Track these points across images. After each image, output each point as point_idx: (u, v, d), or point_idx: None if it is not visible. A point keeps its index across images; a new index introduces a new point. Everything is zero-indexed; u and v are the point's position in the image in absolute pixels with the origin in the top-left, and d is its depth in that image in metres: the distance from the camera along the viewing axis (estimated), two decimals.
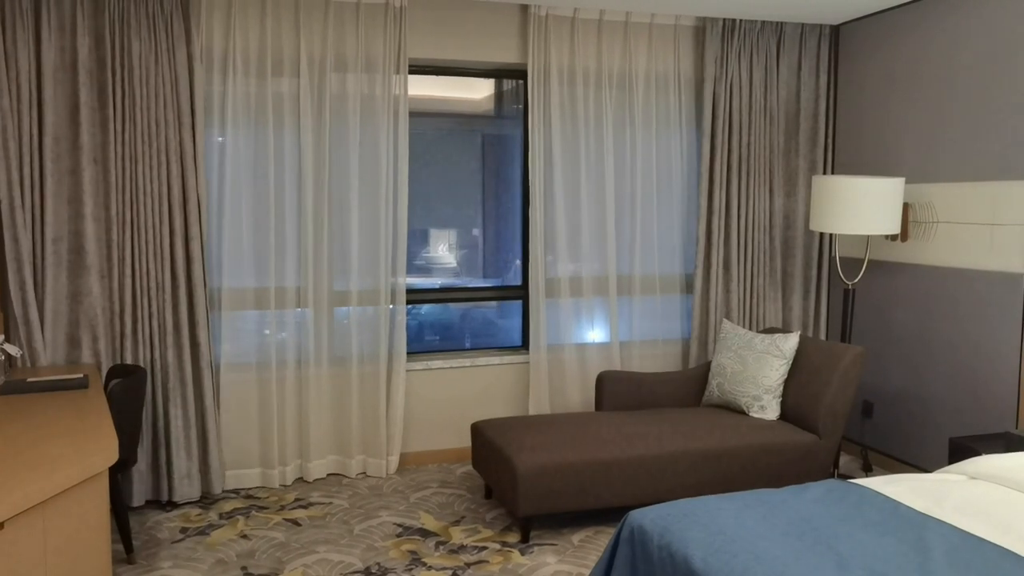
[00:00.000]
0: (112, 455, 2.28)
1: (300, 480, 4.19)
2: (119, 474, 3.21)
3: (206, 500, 3.91)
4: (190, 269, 3.81)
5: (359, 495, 3.99)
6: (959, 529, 2.29)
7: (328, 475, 4.25)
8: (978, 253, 3.90)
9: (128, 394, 3.09)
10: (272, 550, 3.37)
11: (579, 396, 4.61)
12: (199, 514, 3.74)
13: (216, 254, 3.98)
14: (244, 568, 3.20)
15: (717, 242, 4.68)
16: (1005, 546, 2.19)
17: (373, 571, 3.18)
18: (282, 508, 3.82)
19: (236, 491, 4.03)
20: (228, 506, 3.84)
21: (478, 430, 3.84)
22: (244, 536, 3.51)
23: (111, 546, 3.29)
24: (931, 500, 2.53)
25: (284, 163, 4.02)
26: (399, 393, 4.25)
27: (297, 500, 3.92)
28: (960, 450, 3.41)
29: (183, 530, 3.56)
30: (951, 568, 2.04)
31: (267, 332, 4.08)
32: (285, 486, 4.11)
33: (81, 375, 3.26)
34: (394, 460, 4.29)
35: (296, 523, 3.65)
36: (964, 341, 3.99)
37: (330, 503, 3.88)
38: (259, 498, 3.95)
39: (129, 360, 3.71)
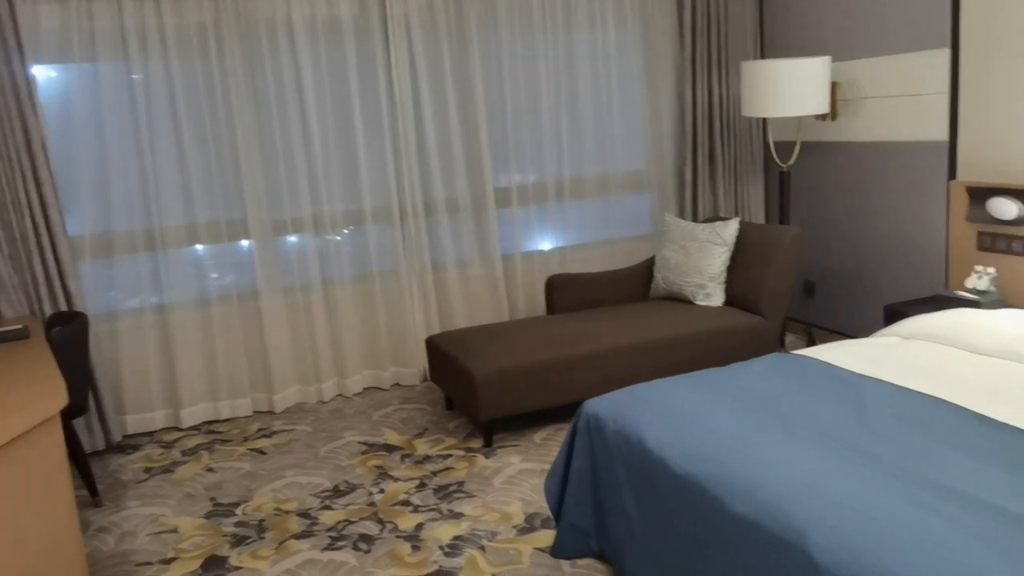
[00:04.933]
0: (61, 398, 2.26)
1: (265, 413, 4.21)
2: (72, 421, 3.18)
3: (167, 440, 3.91)
4: (47, 216, 3.57)
5: (322, 419, 4.02)
6: (894, 385, 2.41)
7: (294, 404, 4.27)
8: (904, 125, 3.98)
9: (70, 341, 3.04)
10: (239, 479, 3.40)
11: (538, 302, 4.68)
12: (161, 453, 3.75)
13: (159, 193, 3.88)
14: (213, 499, 3.24)
15: (670, 134, 4.69)
16: (936, 395, 2.31)
17: (342, 488, 3.24)
18: (246, 440, 3.84)
19: (197, 427, 4.04)
20: (191, 443, 3.85)
21: (433, 344, 3.88)
22: (210, 469, 3.53)
23: (75, 491, 3.30)
24: (868, 362, 2.65)
25: (217, 95, 3.90)
26: (325, 320, 4.26)
27: (260, 430, 3.94)
28: (895, 315, 3.55)
29: (147, 470, 3.57)
30: (887, 420, 2.16)
31: (214, 275, 4.04)
32: (248, 417, 4.13)
33: (20, 326, 3.19)
34: (356, 380, 4.33)
35: (261, 452, 3.68)
36: (895, 212, 4.11)
37: (293, 430, 3.92)
38: (221, 432, 3.96)
39: (10, 314, 3.58)
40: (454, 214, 4.46)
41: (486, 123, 4.40)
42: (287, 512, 3.09)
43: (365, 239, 4.29)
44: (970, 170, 3.71)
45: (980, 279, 3.46)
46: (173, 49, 3.81)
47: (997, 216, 3.44)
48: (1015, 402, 2.23)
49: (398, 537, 2.84)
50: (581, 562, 2.59)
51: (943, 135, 3.79)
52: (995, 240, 3.53)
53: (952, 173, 3.78)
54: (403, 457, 3.51)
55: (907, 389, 2.37)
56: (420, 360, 4.43)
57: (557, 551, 2.62)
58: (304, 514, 3.06)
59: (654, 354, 3.69)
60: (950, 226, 3.72)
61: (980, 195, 3.55)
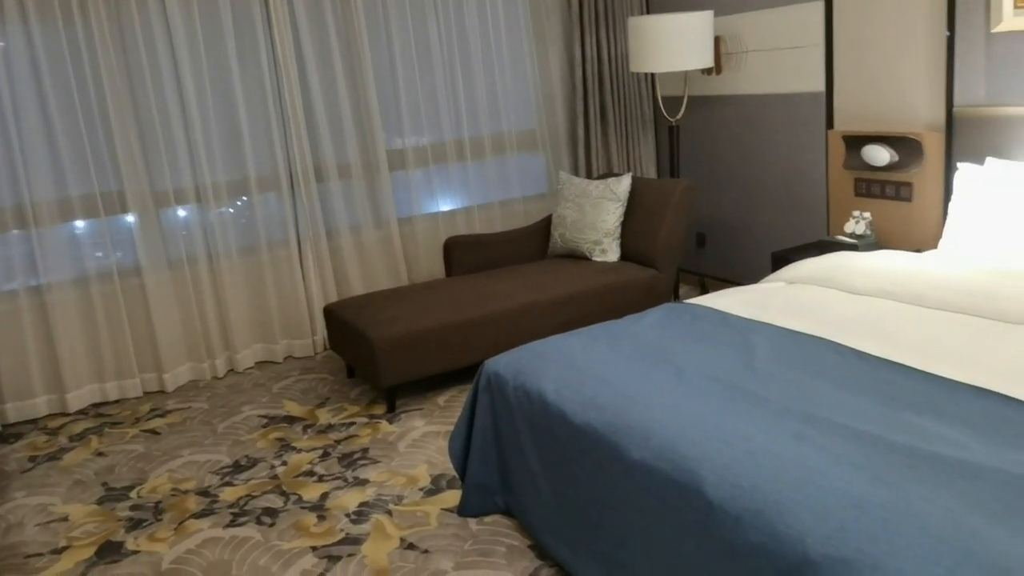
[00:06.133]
0: None
1: (157, 393, 4.06)
2: None
3: (53, 427, 3.72)
4: None
5: (219, 395, 3.91)
6: (779, 327, 2.51)
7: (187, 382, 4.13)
8: (785, 77, 4.10)
9: None
10: (132, 462, 3.28)
11: (439, 266, 4.65)
12: (47, 440, 3.57)
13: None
14: (105, 484, 3.11)
15: (561, 92, 4.69)
16: (818, 335, 2.42)
17: (243, 463, 3.17)
18: (137, 421, 3.70)
19: (84, 412, 3.86)
20: (79, 427, 3.68)
21: (331, 312, 3.81)
22: (100, 454, 3.39)
23: None
24: (755, 307, 2.75)
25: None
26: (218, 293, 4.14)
27: (153, 411, 3.80)
28: (781, 262, 3.69)
29: (32, 459, 3.40)
30: (772, 361, 2.25)
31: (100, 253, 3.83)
32: (139, 398, 3.97)
33: None
34: (246, 355, 4.22)
35: (155, 432, 3.55)
36: (780, 163, 4.25)
37: (188, 408, 3.79)
38: (111, 415, 3.80)
39: None
40: (346, 179, 4.36)
41: (375, 84, 4.31)
42: (185, 492, 2.99)
43: (252, 208, 4.15)
44: (846, 119, 3.87)
45: (857, 223, 3.63)
46: (33, 14, 3.55)
47: (871, 163, 3.59)
48: (888, 337, 2.35)
49: (303, 508, 2.79)
50: (488, 519, 2.62)
51: (820, 86, 3.93)
52: (870, 186, 3.70)
53: (830, 123, 3.93)
54: (305, 428, 3.45)
55: (791, 331, 2.47)
56: (316, 330, 4.35)
57: (463, 510, 2.63)
58: (203, 492, 2.98)
59: (553, 311, 3.72)
60: (829, 174, 3.88)
61: (855, 143, 3.70)
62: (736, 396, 2.05)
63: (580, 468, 2.13)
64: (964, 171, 3.15)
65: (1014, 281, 2.57)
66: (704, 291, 4.77)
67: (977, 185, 3.06)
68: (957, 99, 3.30)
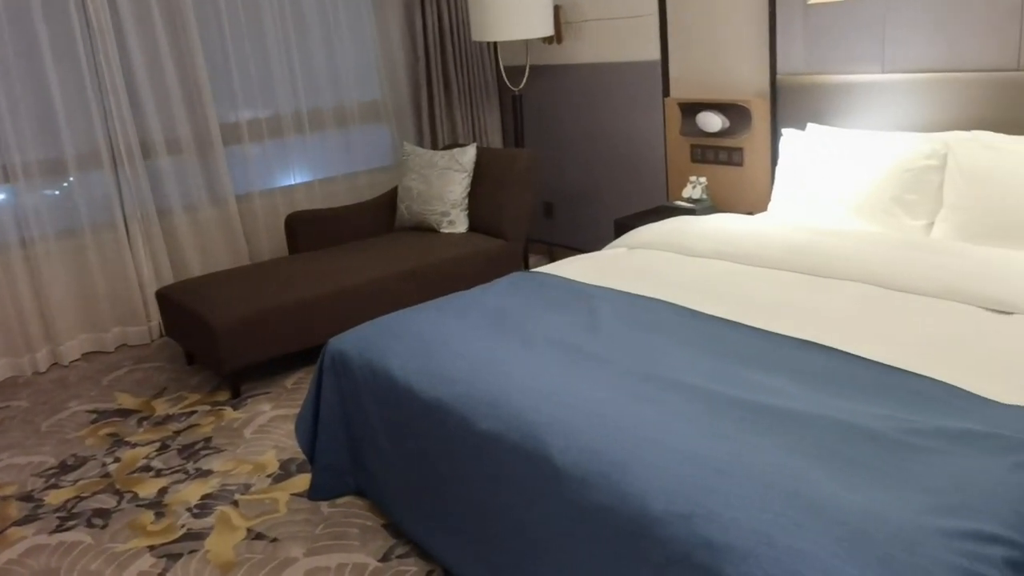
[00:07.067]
0: None
1: None
2: None
3: None
4: None
5: (42, 391, 3.61)
6: (621, 292, 2.56)
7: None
8: (623, 46, 4.18)
9: None
10: None
11: (283, 243, 4.47)
12: None
13: None
14: None
15: (403, 62, 4.58)
16: (658, 297, 2.49)
17: (69, 463, 2.94)
18: None
19: None
20: None
21: (165, 297, 3.58)
22: None
23: None
24: (599, 273, 2.79)
25: None
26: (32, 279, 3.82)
27: None
28: (623, 228, 3.77)
29: None
30: (615, 324, 2.29)
31: None
32: None
33: None
34: (72, 346, 3.92)
35: None
36: (621, 131, 4.34)
37: (7, 407, 3.48)
38: None
39: None
40: (177, 155, 4.10)
41: (203, 52, 4.05)
42: (5, 498, 2.74)
43: (70, 188, 3.83)
44: (681, 87, 3.99)
45: (694, 188, 3.76)
46: None
47: (705, 129, 3.73)
48: (723, 297, 2.45)
49: (139, 506, 2.62)
50: (340, 501, 2.55)
51: (656, 55, 4.03)
52: (705, 152, 3.84)
53: (666, 91, 4.04)
54: (140, 420, 3.24)
55: (633, 294, 2.52)
56: (151, 316, 4.09)
57: (314, 493, 2.55)
58: (26, 497, 2.74)
59: (402, 285, 3.66)
60: (667, 141, 4.00)
61: (690, 110, 3.82)
62: (581, 360, 2.07)
63: (430, 443, 2.10)
64: (788, 136, 3.32)
65: (835, 239, 2.73)
66: (553, 260, 4.83)
67: (800, 150, 3.23)
68: (780, 68, 3.46)
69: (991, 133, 2.74)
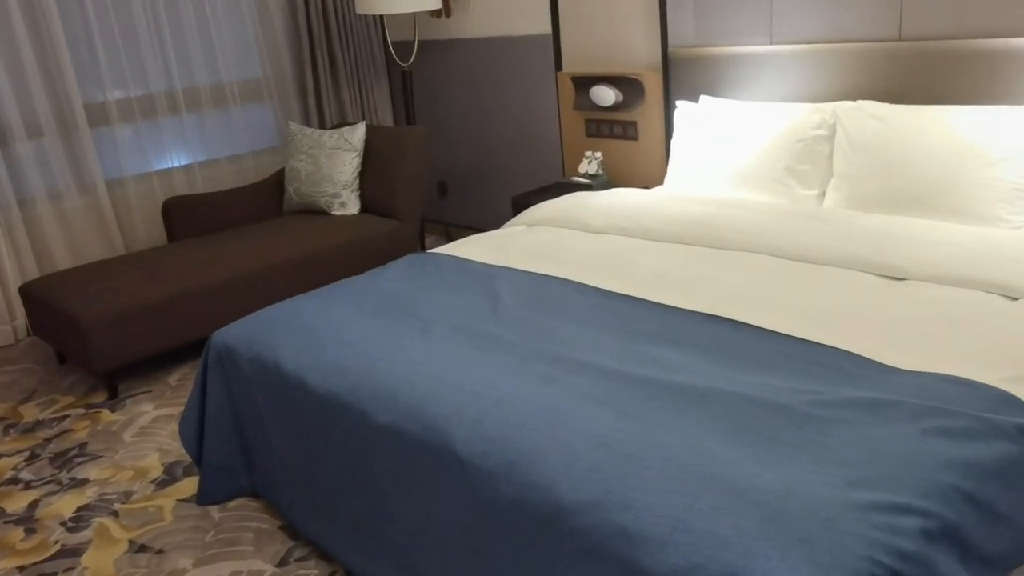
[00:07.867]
0: None
1: None
2: None
3: None
4: None
5: None
6: (523, 271, 2.48)
7: None
8: (513, 20, 4.09)
9: None
10: None
11: (161, 230, 4.19)
12: None
13: None
14: None
15: (285, 38, 4.34)
16: (559, 275, 2.42)
17: None
18: None
19: None
20: None
21: (30, 293, 3.29)
22: None
23: None
24: (498, 252, 2.71)
25: None
26: None
27: None
28: (521, 206, 3.70)
29: None
30: (517, 305, 2.21)
31: None
32: None
33: None
34: None
35: None
36: (514, 106, 4.25)
37: None
38: None
39: None
40: (37, 138, 3.77)
41: (62, 26, 3.72)
42: None
43: None
44: (574, 61, 3.93)
45: (590, 164, 3.72)
46: None
47: (599, 103, 3.68)
48: (624, 273, 2.40)
49: (6, 523, 2.39)
50: (232, 504, 2.39)
51: (547, 28, 3.95)
52: (599, 126, 3.80)
53: (559, 65, 3.98)
54: (7, 428, 2.97)
55: (533, 273, 2.45)
56: (15, 314, 3.77)
57: (203, 497, 2.38)
58: None
59: (291, 272, 3.48)
60: (561, 116, 3.94)
61: (584, 84, 3.77)
62: (483, 344, 1.98)
63: (326, 439, 1.97)
64: (682, 109, 3.30)
65: (731, 211, 2.73)
66: (450, 240, 4.72)
67: (693, 122, 3.22)
68: (671, 40, 3.44)
69: (876, 103, 2.79)
